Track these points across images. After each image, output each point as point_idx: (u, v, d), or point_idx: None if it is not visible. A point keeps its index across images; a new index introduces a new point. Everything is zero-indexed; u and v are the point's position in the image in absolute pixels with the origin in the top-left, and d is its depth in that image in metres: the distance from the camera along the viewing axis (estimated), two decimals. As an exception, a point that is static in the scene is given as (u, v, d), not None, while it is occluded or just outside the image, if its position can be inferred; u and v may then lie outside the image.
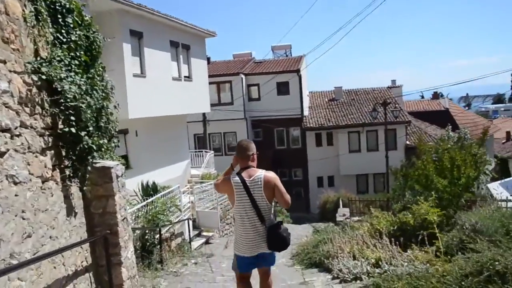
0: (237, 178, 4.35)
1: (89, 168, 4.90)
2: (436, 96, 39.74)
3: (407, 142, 29.13)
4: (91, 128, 5.32)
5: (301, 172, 30.44)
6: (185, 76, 17.87)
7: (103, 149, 5.45)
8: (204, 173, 18.94)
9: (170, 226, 10.08)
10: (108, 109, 5.89)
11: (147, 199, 9.53)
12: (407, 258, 6.28)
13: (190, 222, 11.94)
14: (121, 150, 14.80)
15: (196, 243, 12.15)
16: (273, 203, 4.57)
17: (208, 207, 13.96)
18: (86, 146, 4.70)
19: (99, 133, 5.48)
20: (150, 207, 8.58)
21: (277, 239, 4.34)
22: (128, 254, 5.82)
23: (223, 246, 12.60)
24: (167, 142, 17.46)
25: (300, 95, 28.97)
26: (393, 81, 34.58)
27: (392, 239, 6.92)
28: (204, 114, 25.45)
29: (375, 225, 7.78)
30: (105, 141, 5.45)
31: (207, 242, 12.76)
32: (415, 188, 10.90)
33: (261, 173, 4.35)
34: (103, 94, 5.78)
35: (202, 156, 21.55)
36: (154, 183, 11.62)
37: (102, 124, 5.52)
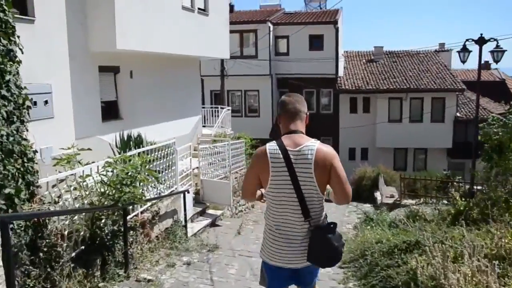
0: (274, 145, 2.85)
1: None
2: (487, 66, 34.88)
3: (458, 114, 24.99)
4: None
5: (331, 141, 26.46)
6: (199, 8, 13.98)
7: None
8: (218, 133, 15.29)
9: (153, 202, 6.49)
10: None
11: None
12: None
13: (190, 195, 8.33)
14: (109, 94, 11.29)
15: (196, 226, 8.57)
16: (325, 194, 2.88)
17: (218, 175, 10.32)
18: None
19: None
20: (112, 172, 4.93)
21: (325, 250, 2.79)
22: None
23: (235, 231, 9.01)
24: (173, 91, 13.79)
25: (336, 51, 24.75)
26: (441, 45, 29.96)
27: None
28: (222, 64, 21.62)
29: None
30: None
31: (213, 224, 9.18)
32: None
33: (313, 143, 2.84)
34: None
35: (218, 113, 17.82)
36: (139, 135, 8.03)
37: None
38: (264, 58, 23.98)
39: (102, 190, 4.74)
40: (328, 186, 2.89)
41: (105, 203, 4.84)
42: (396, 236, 5.90)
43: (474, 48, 12.23)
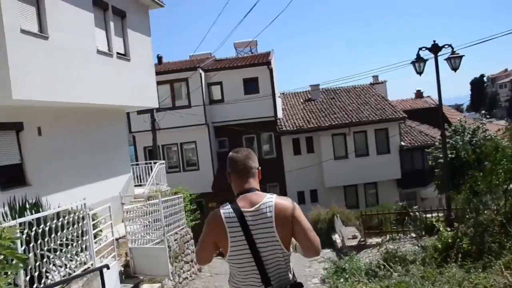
0: (229, 209, 2.64)
1: None
2: (420, 95, 35.61)
3: (402, 143, 24.59)
4: None
5: (278, 187, 25.16)
6: (118, 53, 12.51)
7: None
8: (152, 191, 13.46)
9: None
10: None
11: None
12: None
13: (114, 271, 6.47)
14: (10, 156, 9.36)
15: (127, 309, 6.67)
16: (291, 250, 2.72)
17: (152, 240, 8.48)
18: None
19: None
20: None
21: None
22: None
23: (178, 308, 7.15)
24: (96, 148, 12.00)
25: (273, 92, 23.88)
26: (375, 77, 30.11)
27: None
28: (152, 115, 20.01)
29: None
30: None
31: (149, 303, 7.28)
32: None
33: (270, 199, 2.66)
34: None
35: (152, 170, 16.00)
36: (37, 201, 6.18)
37: None
38: (198, 106, 22.64)
39: None
40: (293, 239, 2.68)
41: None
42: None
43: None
